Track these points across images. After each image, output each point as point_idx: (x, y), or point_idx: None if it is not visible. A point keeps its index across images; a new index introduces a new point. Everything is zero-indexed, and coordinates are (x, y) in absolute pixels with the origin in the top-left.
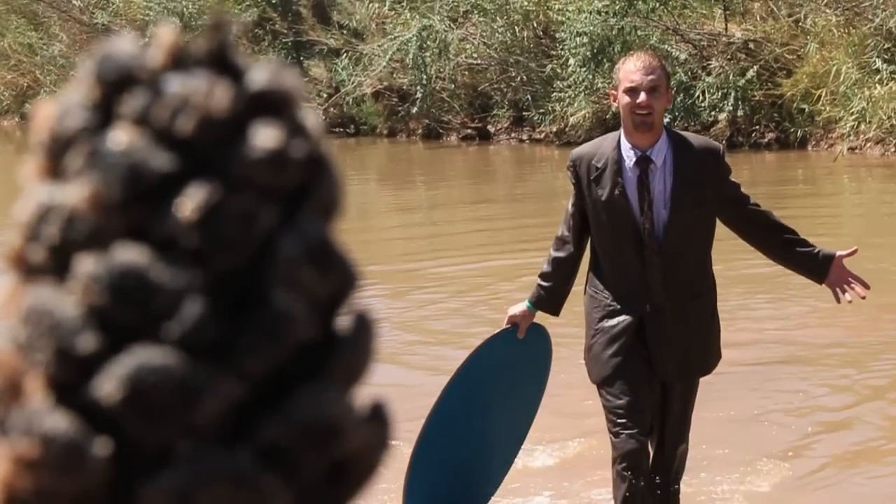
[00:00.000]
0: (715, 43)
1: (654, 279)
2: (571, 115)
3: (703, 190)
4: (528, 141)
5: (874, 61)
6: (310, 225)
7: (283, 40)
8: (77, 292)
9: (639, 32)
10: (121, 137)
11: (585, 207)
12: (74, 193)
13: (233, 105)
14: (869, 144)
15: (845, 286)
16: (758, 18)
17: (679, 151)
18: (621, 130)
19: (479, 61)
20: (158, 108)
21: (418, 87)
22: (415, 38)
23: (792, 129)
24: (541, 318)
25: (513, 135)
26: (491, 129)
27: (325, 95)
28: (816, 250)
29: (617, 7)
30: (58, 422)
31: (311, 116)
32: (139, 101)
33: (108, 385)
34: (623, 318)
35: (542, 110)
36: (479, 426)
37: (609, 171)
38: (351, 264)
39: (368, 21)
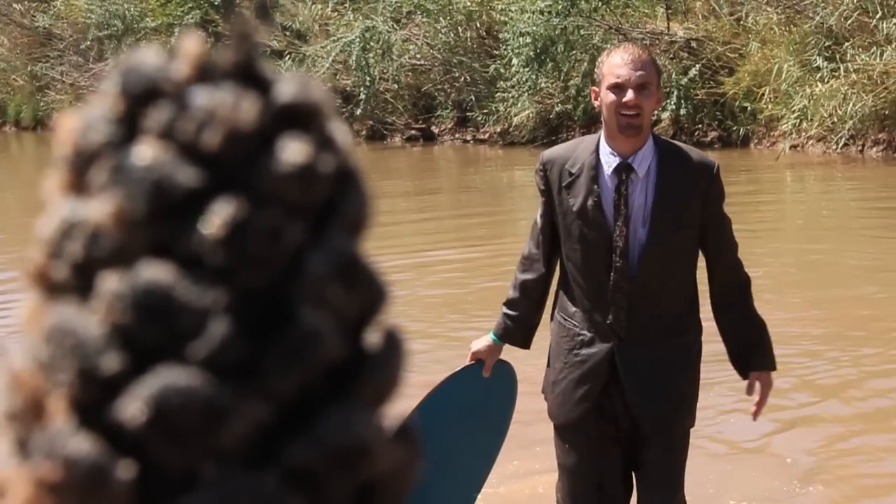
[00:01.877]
0: (657, 42)
1: (623, 306)
2: (515, 116)
3: (689, 212)
4: (472, 141)
5: (815, 59)
6: (338, 241)
7: (226, 42)
8: (100, 311)
9: (581, 32)
10: (145, 152)
11: (555, 218)
12: (98, 209)
13: (260, 118)
14: (811, 142)
15: (755, 396)
16: (700, 17)
17: (666, 162)
18: (601, 133)
19: (422, 62)
20: (184, 122)
21: (362, 89)
22: (358, 39)
23: (734, 128)
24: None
25: (457, 135)
26: (435, 129)
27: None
28: (749, 355)
29: (559, 7)
30: (81, 444)
31: (341, 129)
32: (164, 115)
33: (133, 406)
34: (594, 351)
35: (485, 111)
36: (431, 476)
37: (584, 177)
38: (380, 281)
39: (311, 22)
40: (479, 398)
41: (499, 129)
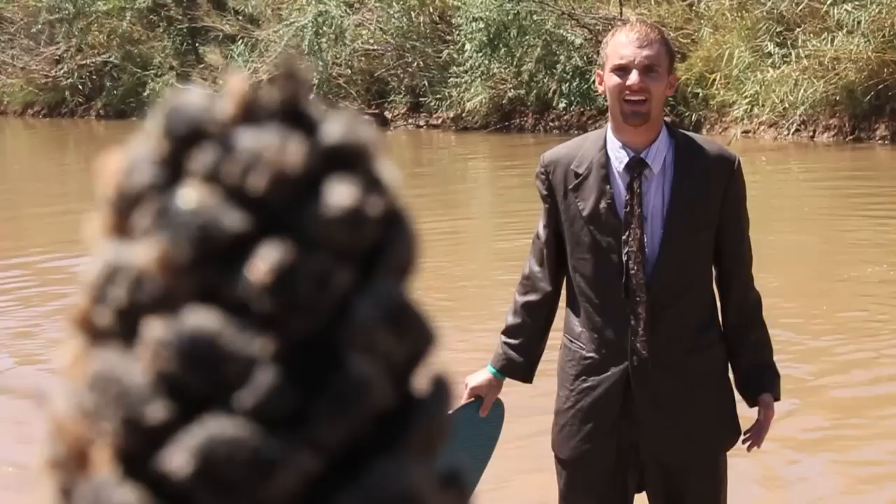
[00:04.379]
0: (610, 27)
1: (643, 322)
2: (468, 101)
3: (707, 211)
4: (425, 126)
5: (766, 45)
6: (386, 286)
7: (178, 27)
8: (145, 358)
9: (534, 17)
10: (191, 195)
11: (561, 227)
12: (143, 253)
13: (307, 160)
14: (762, 128)
15: (754, 430)
16: (652, 2)
17: (683, 156)
18: (608, 126)
19: (375, 47)
20: (230, 164)
21: (314, 74)
22: (311, 23)
23: (687, 113)
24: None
25: (410, 121)
26: (388, 115)
27: (220, 82)
28: (761, 378)
29: None
30: (126, 496)
31: (388, 169)
32: (209, 157)
33: (179, 457)
34: (605, 376)
35: (438, 96)
36: None
37: (594, 177)
38: (428, 325)
39: (264, 7)
40: (467, 438)
41: (452, 115)
